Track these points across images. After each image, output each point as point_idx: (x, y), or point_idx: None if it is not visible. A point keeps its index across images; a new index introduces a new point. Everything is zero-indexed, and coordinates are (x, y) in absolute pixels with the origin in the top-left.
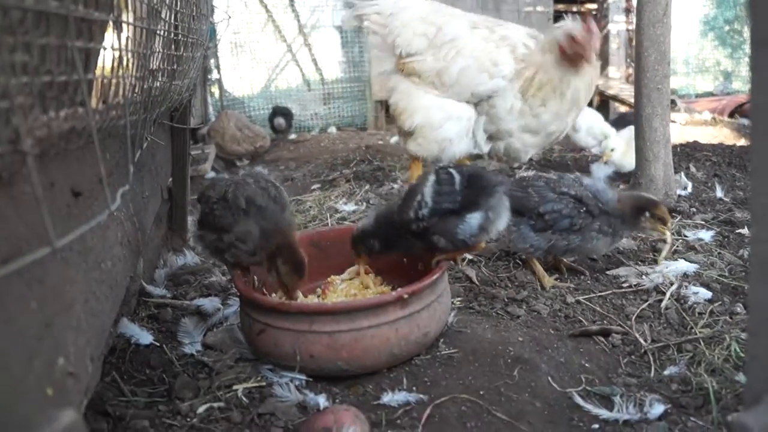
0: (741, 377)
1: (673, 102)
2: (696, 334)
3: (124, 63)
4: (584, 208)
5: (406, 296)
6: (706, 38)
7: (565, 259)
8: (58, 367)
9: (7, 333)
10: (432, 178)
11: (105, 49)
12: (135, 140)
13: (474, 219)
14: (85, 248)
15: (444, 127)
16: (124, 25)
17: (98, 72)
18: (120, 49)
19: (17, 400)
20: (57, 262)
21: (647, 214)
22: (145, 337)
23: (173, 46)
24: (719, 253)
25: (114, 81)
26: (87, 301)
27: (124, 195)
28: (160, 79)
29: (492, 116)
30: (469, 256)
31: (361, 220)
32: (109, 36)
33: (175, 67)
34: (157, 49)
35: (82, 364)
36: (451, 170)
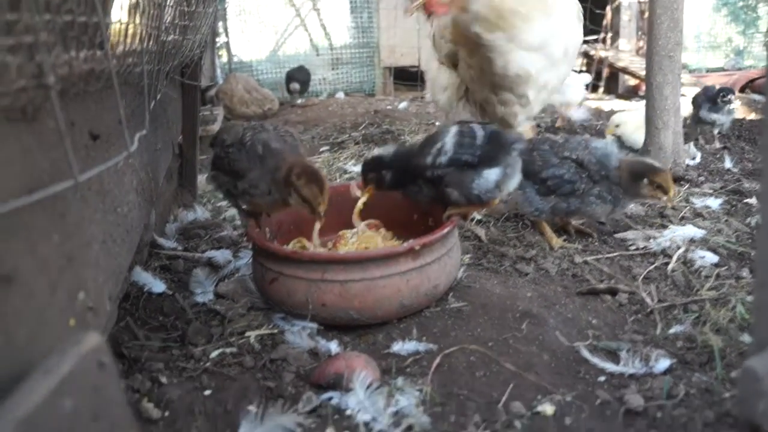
0: (746, 337)
1: None
2: (702, 295)
3: (140, 10)
4: (586, 174)
5: (417, 248)
6: (719, 14)
7: (573, 222)
8: (79, 301)
9: (32, 262)
10: (455, 129)
11: None
12: (149, 90)
13: (491, 175)
14: (102, 190)
15: None
16: None
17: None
18: None
19: (42, 327)
20: (77, 200)
21: (645, 180)
22: (158, 286)
23: (186, 1)
24: (726, 220)
25: (131, 28)
26: (105, 241)
27: (139, 143)
28: (173, 31)
29: None
30: (478, 216)
31: (379, 148)
32: None
33: (187, 21)
34: (171, 2)
35: (101, 301)
36: (474, 125)
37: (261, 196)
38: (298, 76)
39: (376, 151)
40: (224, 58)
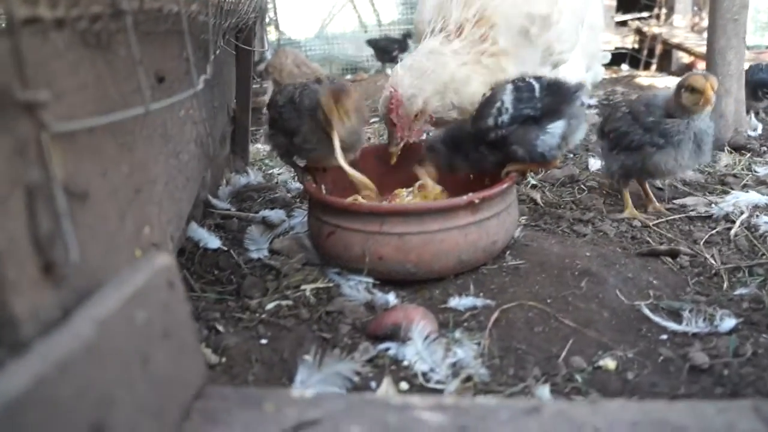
0: None
1: None
2: None
3: None
4: (638, 123)
5: (476, 201)
6: None
7: (652, 197)
8: (145, 235)
9: (104, 186)
10: (510, 86)
11: None
12: (211, 41)
13: (556, 128)
14: (166, 134)
15: None
16: None
17: None
18: None
19: (112, 251)
20: (143, 137)
21: (683, 91)
22: (213, 242)
23: None
24: None
25: None
26: (167, 183)
27: (197, 97)
28: None
29: None
30: (533, 181)
31: (430, 135)
32: None
33: None
34: None
35: (165, 239)
36: (529, 79)
37: (314, 150)
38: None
39: (429, 138)
40: (273, 36)
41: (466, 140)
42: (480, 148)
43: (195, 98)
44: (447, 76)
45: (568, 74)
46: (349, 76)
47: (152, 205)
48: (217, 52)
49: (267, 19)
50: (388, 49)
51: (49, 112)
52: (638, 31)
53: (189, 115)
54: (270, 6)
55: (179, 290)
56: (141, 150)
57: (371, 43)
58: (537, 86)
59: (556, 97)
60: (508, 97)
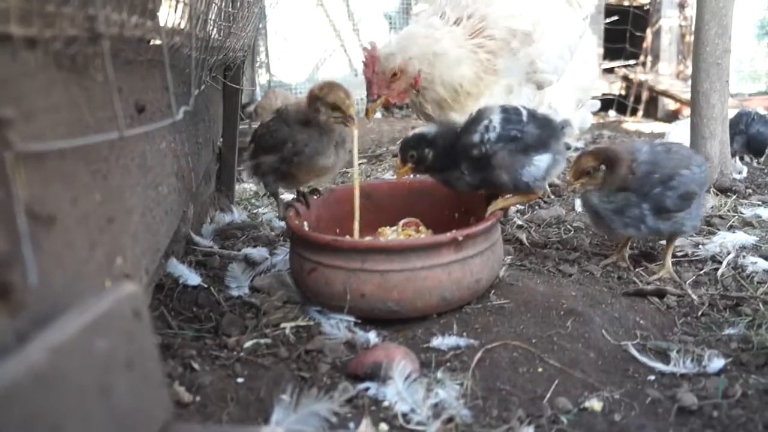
0: None
1: None
2: (756, 296)
3: None
4: None
5: (460, 238)
6: (760, 44)
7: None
8: (117, 265)
9: (73, 212)
10: (499, 108)
11: None
12: (195, 74)
13: (542, 161)
14: (145, 165)
15: None
16: None
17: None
18: None
19: (80, 279)
20: (119, 166)
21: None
22: (193, 278)
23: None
24: None
25: (180, 7)
26: (144, 215)
27: (180, 131)
28: (219, 23)
29: None
30: (519, 222)
31: (422, 126)
32: None
33: (231, 16)
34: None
35: (138, 272)
36: (518, 106)
37: (307, 152)
38: None
39: (419, 129)
40: (263, 78)
41: (453, 148)
42: (462, 165)
43: (177, 132)
44: (439, 48)
45: (559, 102)
46: None
47: (126, 236)
48: (202, 87)
49: (258, 62)
50: None
51: (15, 131)
52: (625, 78)
53: (171, 148)
54: (261, 49)
55: (145, 320)
56: (116, 179)
57: None
58: (524, 112)
59: (545, 131)
60: (496, 117)
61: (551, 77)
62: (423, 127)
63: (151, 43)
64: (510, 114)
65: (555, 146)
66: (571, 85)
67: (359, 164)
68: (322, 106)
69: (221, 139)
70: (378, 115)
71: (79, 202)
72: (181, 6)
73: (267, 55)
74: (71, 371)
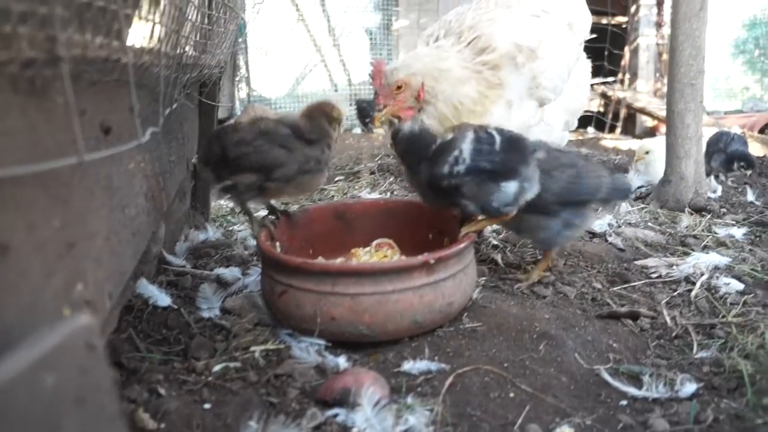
0: None
1: None
2: (729, 320)
3: (160, 9)
4: None
5: (432, 261)
6: (735, 62)
7: None
8: (77, 292)
9: (29, 240)
10: (471, 135)
11: None
12: (165, 95)
13: (510, 188)
14: (110, 186)
15: None
16: None
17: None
18: None
19: (35, 309)
20: (82, 189)
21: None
22: (164, 299)
23: (207, 14)
24: (751, 249)
25: (151, 25)
26: (109, 238)
27: (150, 150)
28: (193, 40)
29: None
30: (494, 242)
31: (411, 123)
32: None
33: (206, 35)
34: (192, 11)
35: (101, 298)
36: (491, 130)
37: (314, 169)
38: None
39: (407, 125)
40: (243, 93)
41: (419, 162)
42: (432, 187)
43: (147, 151)
44: (444, 66)
45: (551, 121)
46: None
47: (88, 261)
48: (174, 105)
49: (238, 76)
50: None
51: None
52: (603, 95)
53: (140, 168)
54: (241, 63)
55: (99, 353)
56: (78, 203)
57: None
58: (498, 139)
59: (514, 156)
60: (467, 147)
61: (551, 95)
62: (411, 123)
63: (120, 61)
64: (482, 143)
65: (524, 172)
66: (563, 107)
67: (336, 181)
68: (333, 123)
69: (196, 156)
70: (358, 130)
71: (36, 229)
72: (150, 25)
73: (247, 70)
74: (16, 409)
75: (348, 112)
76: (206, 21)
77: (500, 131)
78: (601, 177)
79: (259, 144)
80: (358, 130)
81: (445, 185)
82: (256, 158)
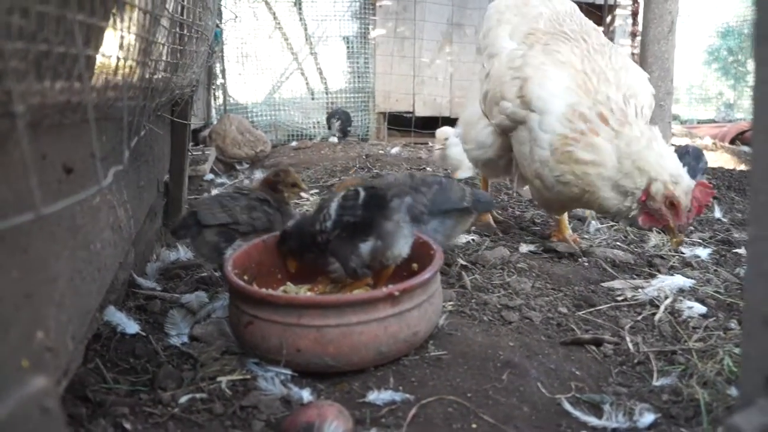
0: (733, 391)
1: None
2: (689, 346)
3: (126, 45)
4: None
5: (396, 293)
6: (710, 68)
7: None
8: (37, 341)
9: None
10: (341, 193)
11: (107, 28)
12: (132, 125)
13: (365, 247)
14: (74, 226)
15: (469, 146)
16: (128, 8)
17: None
18: (122, 31)
19: None
20: (43, 234)
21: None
22: (132, 327)
23: (177, 38)
24: (715, 270)
25: (114, 62)
26: (72, 279)
27: (118, 179)
28: (161, 68)
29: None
30: (462, 262)
31: (290, 222)
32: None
33: (177, 58)
34: (160, 38)
35: (63, 341)
36: (359, 188)
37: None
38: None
39: (287, 226)
40: (220, 100)
41: (306, 236)
42: (313, 247)
43: (114, 181)
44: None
45: None
46: (294, 143)
47: (49, 306)
48: (142, 133)
49: (214, 84)
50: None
51: None
52: None
53: (105, 201)
54: (218, 71)
55: (56, 416)
56: (39, 249)
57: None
58: (363, 195)
59: (371, 213)
60: (334, 204)
61: None
62: (290, 223)
63: (80, 103)
64: (347, 200)
65: (379, 230)
66: None
67: (311, 194)
68: (284, 187)
69: (168, 175)
70: (334, 139)
71: None
72: (114, 60)
73: (224, 77)
74: None
75: (325, 120)
76: (177, 42)
77: (366, 188)
78: (464, 191)
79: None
80: (334, 139)
81: (319, 240)
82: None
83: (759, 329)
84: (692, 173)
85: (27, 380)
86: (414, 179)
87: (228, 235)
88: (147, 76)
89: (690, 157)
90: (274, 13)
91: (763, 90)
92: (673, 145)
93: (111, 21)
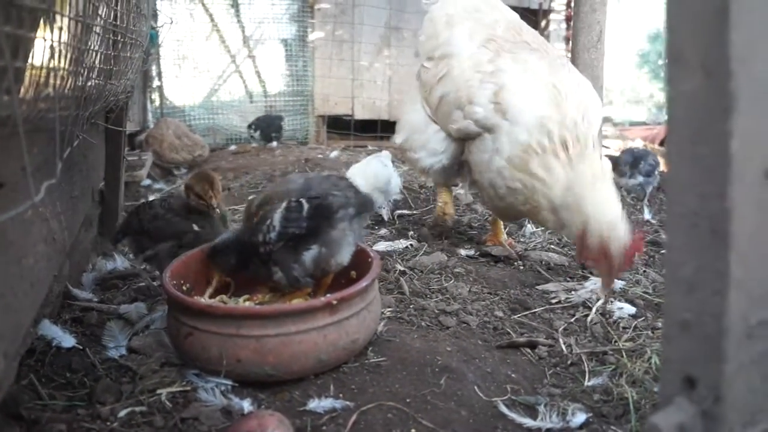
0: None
1: None
2: (619, 346)
3: (56, 55)
4: None
5: (335, 302)
6: (641, 71)
7: None
8: None
9: None
10: (285, 204)
11: (36, 38)
12: (65, 136)
13: (308, 255)
14: (4, 242)
15: (419, 155)
16: (58, 17)
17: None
18: (53, 41)
19: None
20: None
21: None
22: (68, 340)
23: (110, 45)
24: (644, 271)
25: (44, 73)
26: (4, 295)
27: (51, 191)
28: (94, 76)
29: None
30: (400, 268)
31: (222, 235)
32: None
33: (111, 65)
34: (93, 46)
35: None
36: (302, 200)
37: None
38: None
39: (218, 240)
40: (156, 103)
41: (246, 247)
42: (254, 258)
43: (47, 194)
44: None
45: None
46: (233, 147)
47: None
48: (75, 143)
49: (150, 87)
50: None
51: None
52: None
53: (38, 213)
54: (154, 73)
55: None
56: None
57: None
58: (306, 206)
59: (317, 221)
60: (278, 215)
61: None
62: (222, 237)
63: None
64: (291, 211)
65: (323, 238)
66: None
67: (250, 199)
68: (191, 193)
69: (103, 183)
70: (273, 143)
71: None
72: (46, 72)
73: (160, 80)
74: None
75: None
76: (110, 49)
77: (310, 199)
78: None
79: (166, 214)
80: (274, 143)
81: (261, 252)
82: (168, 226)
83: (677, 334)
84: (652, 171)
85: None
86: (330, 179)
87: (138, 243)
88: (79, 84)
89: (651, 157)
90: (211, 15)
91: (675, 107)
92: (635, 148)
93: (41, 30)
